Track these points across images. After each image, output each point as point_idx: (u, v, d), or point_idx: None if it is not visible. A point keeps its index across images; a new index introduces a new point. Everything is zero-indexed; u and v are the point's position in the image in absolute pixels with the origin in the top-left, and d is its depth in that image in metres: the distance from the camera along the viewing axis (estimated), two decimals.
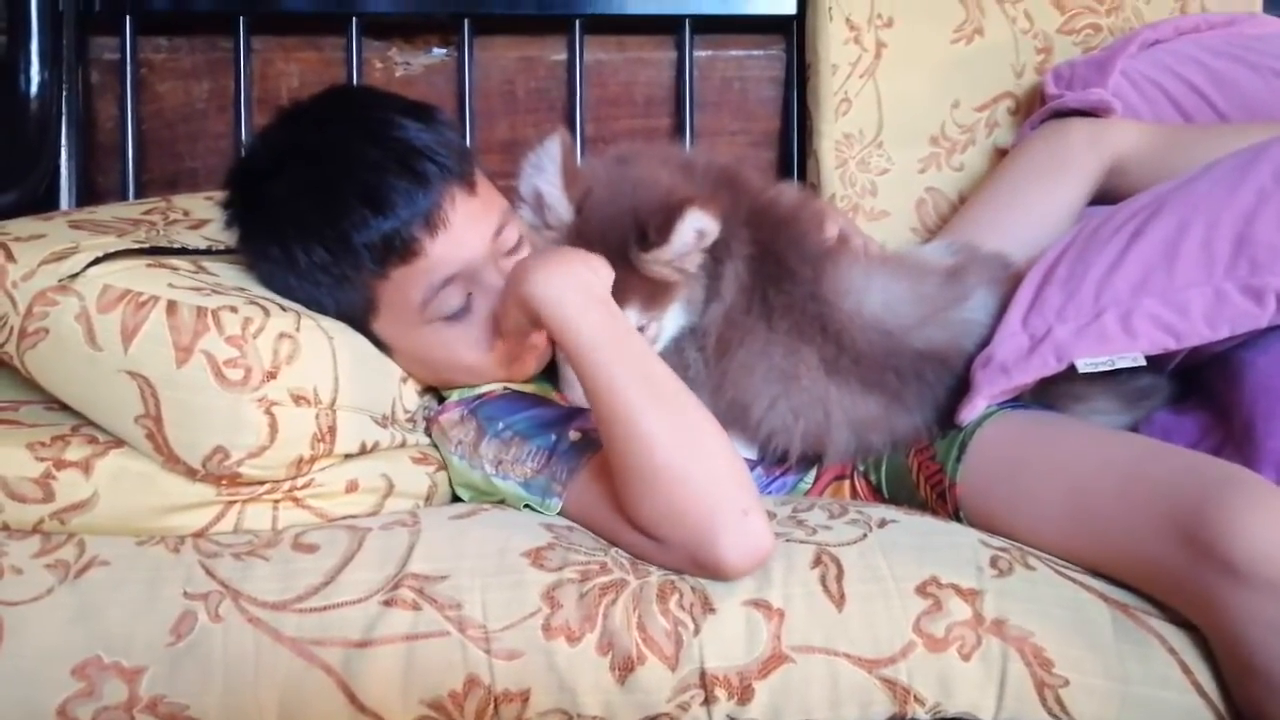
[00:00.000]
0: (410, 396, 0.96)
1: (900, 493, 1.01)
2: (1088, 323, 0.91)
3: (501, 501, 0.92)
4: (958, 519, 0.93)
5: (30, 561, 0.80)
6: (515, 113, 1.46)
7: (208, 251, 0.94)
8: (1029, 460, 0.90)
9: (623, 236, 0.92)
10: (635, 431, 0.80)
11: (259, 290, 0.89)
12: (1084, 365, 0.90)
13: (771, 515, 0.85)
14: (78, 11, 1.37)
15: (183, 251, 0.92)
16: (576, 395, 0.97)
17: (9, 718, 0.75)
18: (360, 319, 0.92)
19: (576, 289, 0.83)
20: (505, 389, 0.98)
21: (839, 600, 0.81)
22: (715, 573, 0.80)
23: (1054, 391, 0.97)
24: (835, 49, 1.36)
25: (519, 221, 0.97)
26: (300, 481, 0.87)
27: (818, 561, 0.83)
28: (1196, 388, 0.97)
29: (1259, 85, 1.21)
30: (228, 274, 0.90)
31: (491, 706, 0.77)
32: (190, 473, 0.83)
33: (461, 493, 0.95)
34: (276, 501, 0.86)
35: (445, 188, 0.90)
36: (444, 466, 0.96)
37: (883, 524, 0.88)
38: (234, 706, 0.77)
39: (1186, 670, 0.79)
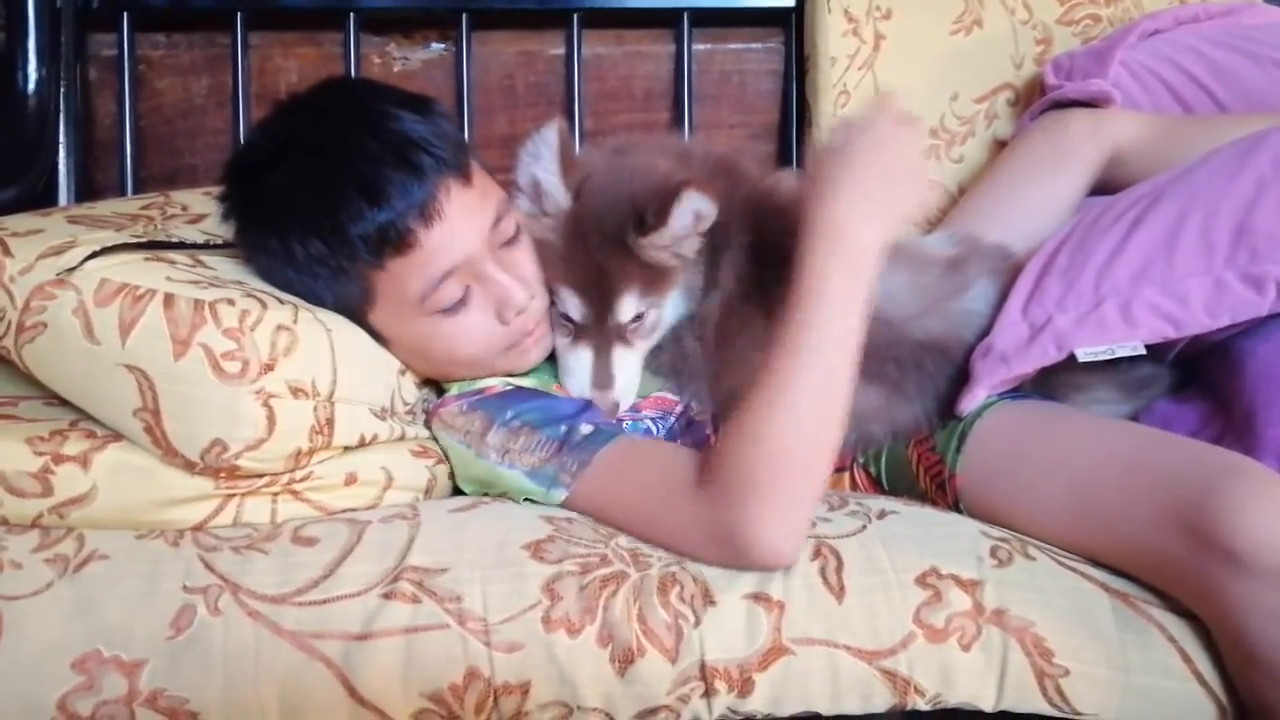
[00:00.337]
0: (409, 389, 0.96)
1: (900, 484, 1.01)
2: (1088, 312, 0.90)
3: (502, 495, 0.92)
4: (958, 510, 0.93)
5: (29, 556, 0.80)
6: (514, 107, 1.46)
7: (205, 245, 0.93)
8: (1029, 451, 0.90)
9: (620, 223, 0.92)
10: (784, 391, 0.82)
11: (257, 283, 0.89)
12: (1084, 354, 0.90)
13: None
14: (76, 8, 1.37)
15: (180, 246, 0.92)
16: (575, 386, 0.97)
17: (9, 712, 0.75)
18: (358, 311, 0.92)
19: (859, 254, 0.83)
20: (506, 383, 0.97)
21: (839, 592, 0.81)
22: (741, 544, 0.80)
23: (1054, 381, 0.97)
24: (834, 41, 1.36)
25: (517, 212, 0.97)
26: (299, 474, 0.86)
27: (817, 554, 0.83)
28: (1197, 377, 0.97)
29: (1258, 75, 1.21)
30: (225, 267, 0.90)
31: (491, 699, 0.77)
32: (189, 466, 0.83)
33: (463, 485, 0.95)
34: (275, 494, 0.86)
35: (440, 179, 0.90)
36: (443, 460, 0.96)
37: (882, 515, 0.88)
38: (234, 700, 0.77)
39: (1187, 659, 0.79)
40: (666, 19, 1.45)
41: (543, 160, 0.94)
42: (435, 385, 1.01)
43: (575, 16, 1.43)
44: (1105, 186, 1.16)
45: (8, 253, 0.84)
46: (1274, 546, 0.72)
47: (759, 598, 0.80)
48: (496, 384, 0.97)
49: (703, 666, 0.78)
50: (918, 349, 0.96)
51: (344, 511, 0.88)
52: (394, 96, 0.94)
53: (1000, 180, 1.21)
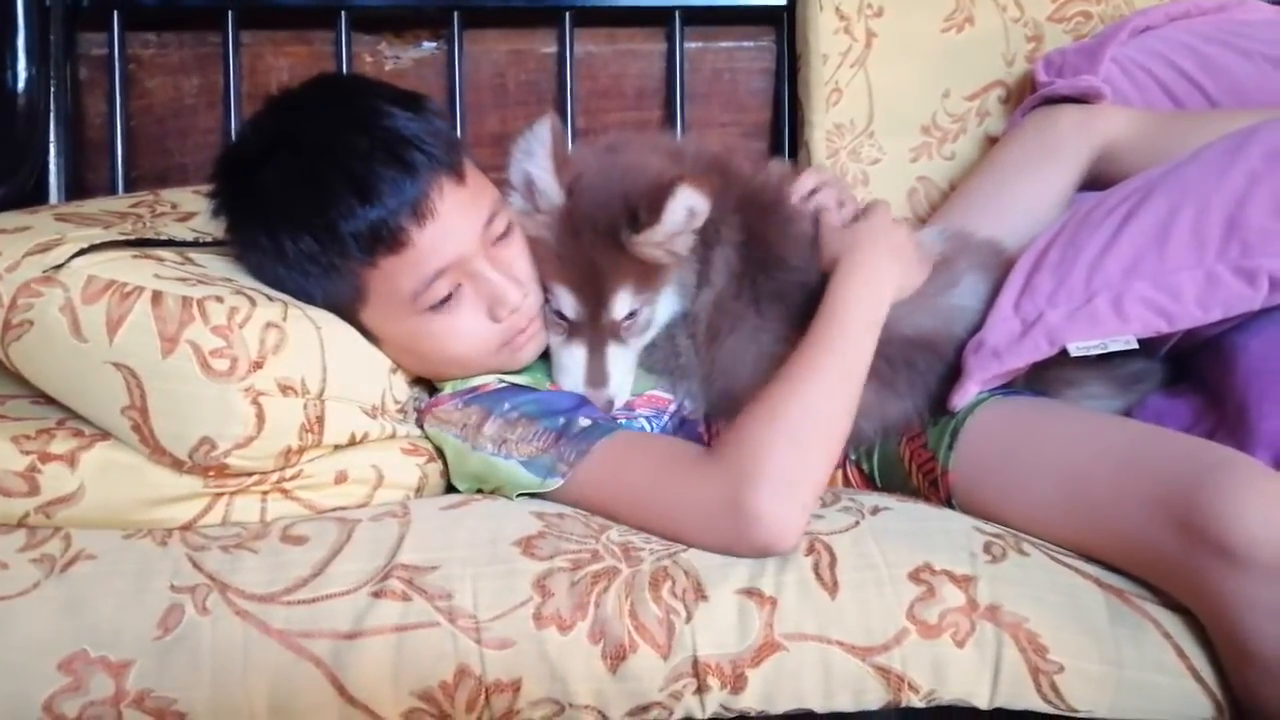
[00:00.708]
0: (400, 387, 0.95)
1: (893, 481, 1.01)
2: (1079, 306, 0.90)
3: (495, 491, 0.91)
4: (950, 506, 0.93)
5: (16, 556, 0.79)
6: (506, 106, 1.45)
7: (195, 243, 0.93)
8: (1021, 446, 0.90)
9: (613, 220, 0.92)
10: (802, 385, 0.87)
11: (246, 280, 0.88)
12: (1076, 349, 0.89)
13: None
14: (66, 7, 1.36)
15: (169, 243, 0.91)
16: (569, 384, 0.97)
17: None
18: (349, 309, 0.92)
19: (882, 286, 0.93)
20: (500, 380, 0.97)
21: (832, 588, 0.81)
22: (745, 516, 0.80)
23: (1046, 377, 0.97)
24: (825, 39, 1.36)
25: (510, 210, 0.96)
26: (289, 473, 0.86)
27: (810, 550, 0.83)
28: (1189, 372, 0.96)
29: (1249, 71, 1.21)
30: (215, 265, 0.90)
31: (483, 697, 0.77)
32: (177, 464, 0.82)
33: (457, 482, 0.94)
34: (265, 493, 0.86)
35: (433, 177, 0.89)
36: (434, 458, 0.95)
37: (875, 511, 0.88)
38: (222, 700, 0.76)
39: (1182, 655, 0.79)
40: (658, 17, 1.45)
41: (536, 157, 0.94)
42: (427, 384, 1.00)
43: (567, 15, 1.43)
44: (1097, 182, 1.16)
45: None
46: (1267, 541, 0.72)
47: (751, 593, 0.80)
48: (491, 381, 0.97)
49: (695, 662, 0.78)
50: (908, 345, 0.96)
51: (334, 510, 0.87)
52: (386, 93, 0.93)
53: (991, 176, 1.21)
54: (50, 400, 0.86)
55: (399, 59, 1.45)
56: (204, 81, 1.43)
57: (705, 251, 0.98)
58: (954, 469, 0.92)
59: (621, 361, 0.98)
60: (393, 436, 0.93)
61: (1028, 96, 1.28)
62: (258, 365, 0.81)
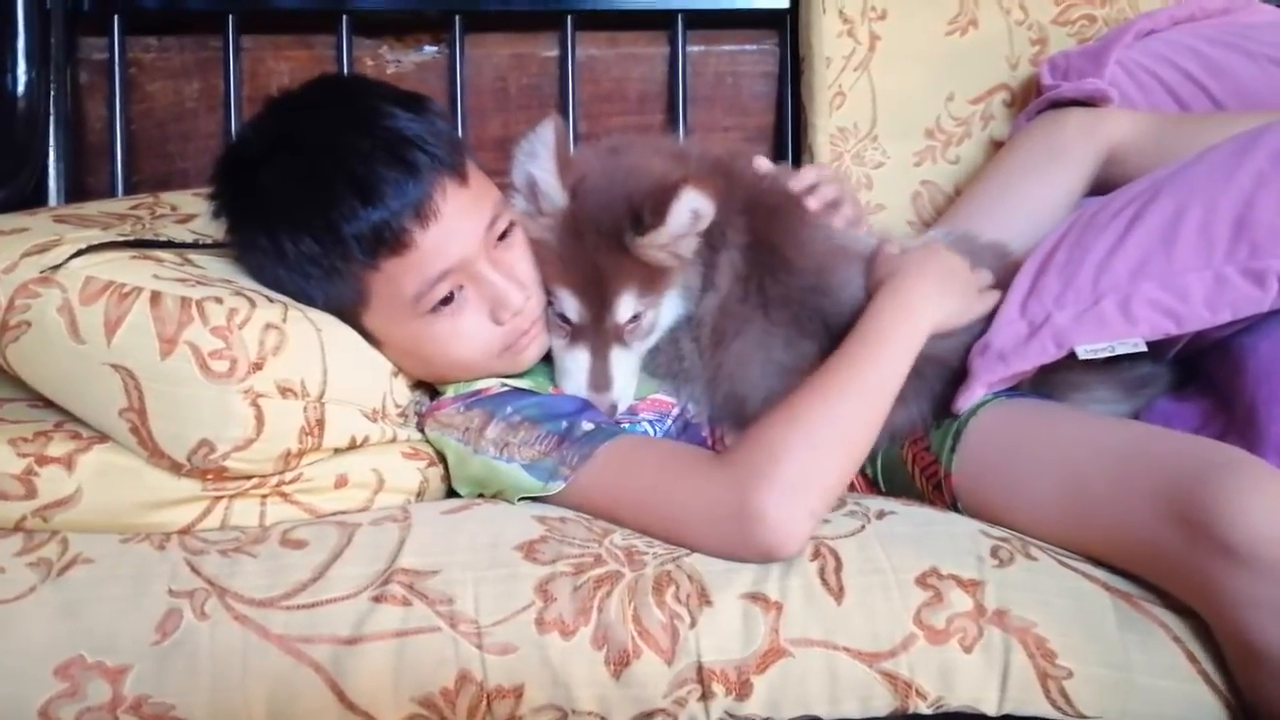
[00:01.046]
0: (401, 391, 0.94)
1: (896, 485, 1.00)
2: (1086, 309, 0.89)
3: (496, 495, 0.90)
4: (956, 510, 0.92)
5: (12, 560, 0.78)
6: (507, 110, 1.45)
7: (194, 245, 0.92)
8: (1024, 447, 0.89)
9: (617, 222, 0.91)
10: (826, 397, 0.87)
11: (246, 282, 0.88)
12: (1084, 351, 0.89)
13: None
14: (66, 10, 1.36)
15: (168, 244, 0.90)
16: (572, 388, 0.96)
17: None
18: (350, 312, 0.91)
19: (921, 315, 0.92)
20: (503, 384, 0.96)
21: (838, 593, 0.80)
22: (751, 515, 0.80)
23: (1052, 380, 0.96)
24: (829, 42, 1.35)
25: (512, 212, 0.95)
26: (288, 476, 0.85)
27: (816, 554, 0.82)
28: (1197, 375, 0.95)
29: (1255, 73, 1.20)
30: (214, 266, 0.89)
31: (484, 703, 0.76)
32: (175, 467, 0.81)
33: (459, 486, 0.94)
34: (264, 497, 0.85)
35: (436, 178, 0.88)
36: (435, 462, 0.94)
37: (881, 515, 0.87)
38: (221, 705, 0.75)
39: (1192, 659, 0.78)
40: (660, 21, 1.45)
41: (539, 159, 0.93)
42: (428, 388, 1.00)
43: (569, 18, 1.42)
44: (1103, 186, 1.15)
45: None
46: (1270, 539, 0.71)
47: (756, 598, 0.79)
48: (493, 385, 0.96)
49: (699, 668, 0.77)
50: (919, 357, 0.95)
51: (334, 514, 0.86)
52: (388, 94, 0.93)
53: (996, 179, 1.21)
54: (48, 403, 0.86)
55: (400, 63, 1.45)
56: (205, 85, 1.42)
57: (710, 255, 0.97)
58: (957, 471, 0.92)
59: (625, 365, 0.97)
60: (393, 440, 0.92)
61: (1032, 100, 1.28)
62: (257, 367, 0.81)
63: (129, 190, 1.39)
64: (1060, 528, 0.84)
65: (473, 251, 0.91)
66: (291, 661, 0.75)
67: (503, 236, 0.94)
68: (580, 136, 1.42)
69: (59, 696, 0.74)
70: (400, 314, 0.91)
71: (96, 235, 0.86)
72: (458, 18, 1.41)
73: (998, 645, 0.78)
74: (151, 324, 0.79)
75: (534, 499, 0.88)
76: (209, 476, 0.82)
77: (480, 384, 0.96)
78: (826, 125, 1.36)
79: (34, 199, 1.32)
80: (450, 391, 0.97)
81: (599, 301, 0.94)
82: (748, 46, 1.47)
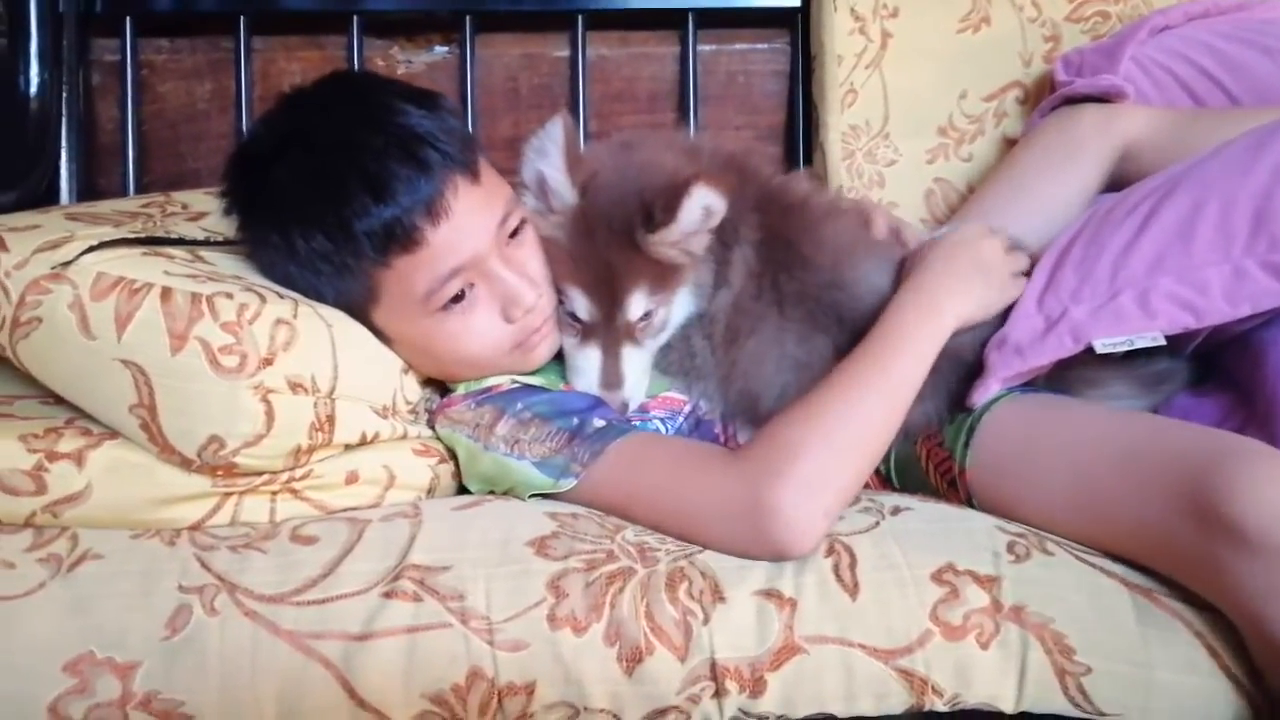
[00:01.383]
0: (412, 388, 0.94)
1: (910, 481, 0.99)
2: (1104, 303, 0.89)
3: (507, 492, 0.90)
4: (970, 506, 0.91)
5: (22, 555, 0.78)
6: (518, 109, 1.44)
7: (205, 242, 0.92)
8: (1038, 441, 0.88)
9: (628, 219, 0.91)
10: (845, 394, 0.86)
11: (256, 278, 0.88)
12: (1102, 346, 0.88)
13: None
14: (79, 12, 1.36)
15: (179, 242, 0.90)
16: (583, 386, 0.95)
17: (1, 715, 0.73)
18: (361, 309, 0.90)
19: (945, 311, 0.91)
20: (514, 381, 0.96)
21: (852, 589, 0.79)
22: (765, 511, 0.79)
23: (1068, 377, 0.95)
24: (840, 40, 1.34)
25: (524, 209, 0.95)
26: (299, 473, 0.85)
27: (830, 550, 0.81)
28: (1216, 370, 0.94)
29: (1271, 69, 1.19)
30: (225, 263, 0.89)
31: (495, 700, 0.75)
32: (185, 463, 0.81)
33: (469, 483, 0.93)
34: (274, 493, 0.84)
35: (448, 175, 0.88)
36: (446, 459, 0.94)
37: (895, 511, 0.86)
38: (230, 702, 0.75)
39: (1214, 653, 0.77)
40: (671, 20, 1.44)
41: (549, 156, 0.93)
42: (439, 385, 0.99)
43: (579, 18, 1.42)
44: (1118, 182, 1.14)
45: (3, 247, 0.83)
46: None
47: (770, 594, 0.78)
48: (504, 382, 0.96)
49: (713, 665, 0.76)
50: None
51: (344, 510, 0.86)
52: (400, 91, 0.93)
53: (1011, 176, 1.19)
54: (59, 400, 0.86)
55: (411, 63, 1.45)
56: (216, 87, 1.42)
57: (723, 252, 0.97)
58: (971, 467, 0.91)
59: (636, 363, 0.96)
60: (404, 437, 0.91)
61: (1046, 97, 1.27)
62: (267, 362, 0.80)
63: (140, 191, 1.38)
64: (1076, 522, 0.83)
65: (484, 249, 0.90)
66: (302, 658, 0.75)
67: (514, 234, 0.93)
68: (591, 136, 1.41)
69: (68, 693, 0.73)
70: (411, 311, 0.91)
71: (108, 232, 0.86)
72: (468, 18, 1.41)
73: (1015, 641, 0.77)
74: (162, 319, 0.79)
75: (545, 496, 0.88)
76: (219, 472, 0.82)
77: (491, 381, 0.95)
78: (838, 123, 1.35)
79: (46, 199, 1.32)
80: (461, 389, 0.96)
81: (610, 299, 0.93)
82: (759, 45, 1.46)
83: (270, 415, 0.80)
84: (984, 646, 0.77)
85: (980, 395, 0.92)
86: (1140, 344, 0.87)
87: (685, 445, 0.91)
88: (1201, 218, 0.88)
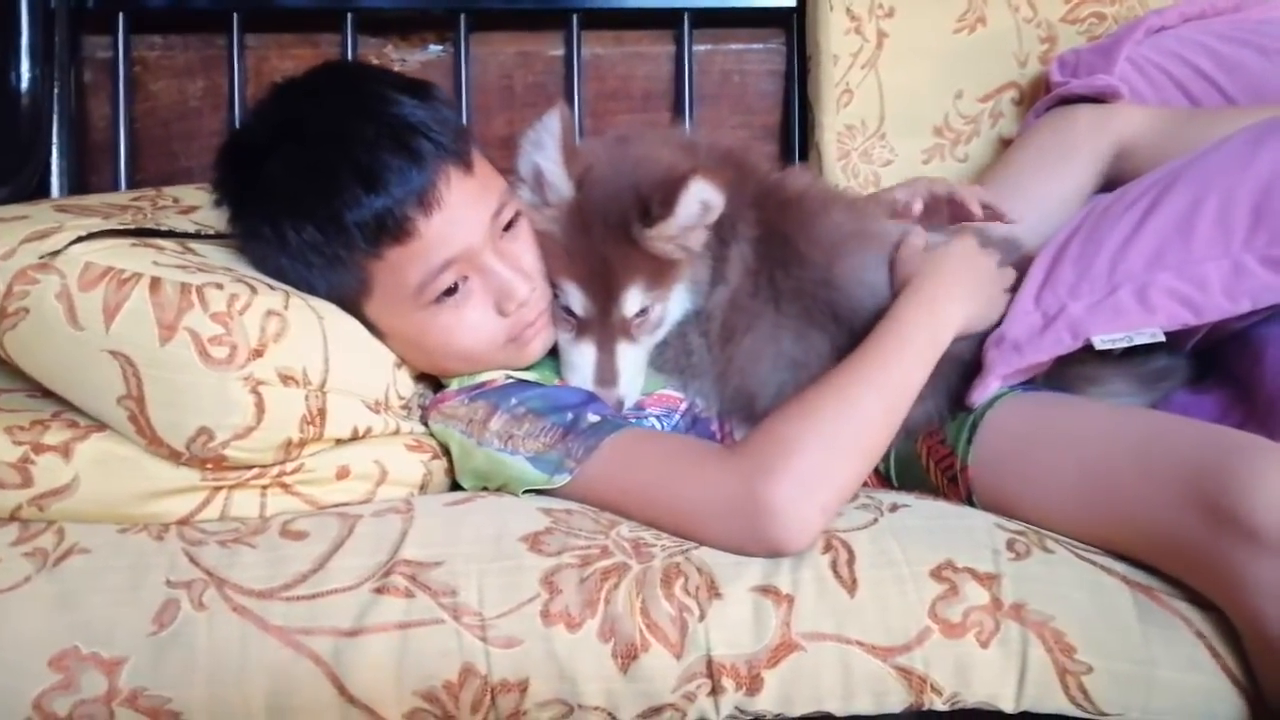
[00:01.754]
0: (405, 382, 0.93)
1: (910, 479, 0.98)
2: (1102, 299, 0.88)
3: (501, 488, 0.89)
4: (971, 504, 0.90)
5: (7, 549, 0.77)
6: (513, 108, 1.44)
7: (196, 235, 0.91)
8: (1041, 439, 0.88)
9: (624, 213, 0.90)
10: (844, 393, 0.85)
11: (247, 270, 0.86)
12: (1101, 342, 0.87)
13: None
14: (70, 9, 1.35)
15: (170, 234, 0.89)
16: (578, 383, 0.95)
17: None
18: (353, 302, 0.89)
19: (947, 317, 0.91)
20: (508, 376, 0.95)
21: (851, 586, 0.78)
22: (761, 507, 0.78)
23: (1068, 374, 0.94)
24: (836, 40, 1.35)
25: (518, 202, 0.94)
26: (289, 467, 0.84)
27: (828, 547, 0.80)
28: (1215, 367, 0.94)
29: (1267, 69, 1.19)
30: (216, 255, 0.88)
31: (488, 697, 0.74)
32: (174, 456, 0.80)
33: (463, 479, 0.92)
34: (264, 487, 0.83)
35: (440, 166, 0.87)
36: (439, 455, 0.93)
37: (894, 508, 0.85)
38: (218, 699, 0.73)
39: (1215, 653, 0.76)
40: (666, 19, 1.44)
41: (545, 149, 0.92)
42: (432, 380, 0.98)
43: (574, 17, 1.42)
44: (1113, 182, 1.14)
45: None
46: None
47: (767, 591, 0.77)
48: (498, 377, 0.95)
49: (709, 663, 0.75)
50: None
51: (335, 506, 0.85)
52: (393, 80, 0.92)
53: (1007, 175, 1.19)
54: (47, 394, 0.84)
55: (405, 61, 1.44)
56: (209, 84, 1.42)
57: (720, 248, 0.96)
58: (973, 464, 0.90)
59: (632, 360, 0.95)
60: (396, 432, 0.90)
61: (1042, 97, 1.27)
62: (258, 353, 0.79)
63: (132, 188, 1.37)
64: (1078, 519, 0.82)
65: (477, 241, 0.90)
66: (291, 654, 0.74)
67: (508, 227, 0.92)
68: (585, 134, 1.41)
69: (53, 689, 0.72)
70: (404, 304, 0.90)
71: (97, 223, 0.84)
72: (463, 16, 1.40)
73: (1015, 640, 0.76)
74: (151, 310, 0.78)
75: (539, 492, 0.87)
76: (208, 466, 0.81)
77: (485, 376, 0.94)
78: (834, 123, 1.35)
79: (37, 197, 1.30)
80: (454, 384, 0.95)
81: (605, 295, 0.93)
82: (754, 45, 1.46)
83: (260, 407, 0.79)
84: (984, 645, 0.76)
85: (979, 393, 0.91)
86: (1139, 340, 0.87)
87: (681, 441, 0.90)
88: (1200, 213, 0.88)
